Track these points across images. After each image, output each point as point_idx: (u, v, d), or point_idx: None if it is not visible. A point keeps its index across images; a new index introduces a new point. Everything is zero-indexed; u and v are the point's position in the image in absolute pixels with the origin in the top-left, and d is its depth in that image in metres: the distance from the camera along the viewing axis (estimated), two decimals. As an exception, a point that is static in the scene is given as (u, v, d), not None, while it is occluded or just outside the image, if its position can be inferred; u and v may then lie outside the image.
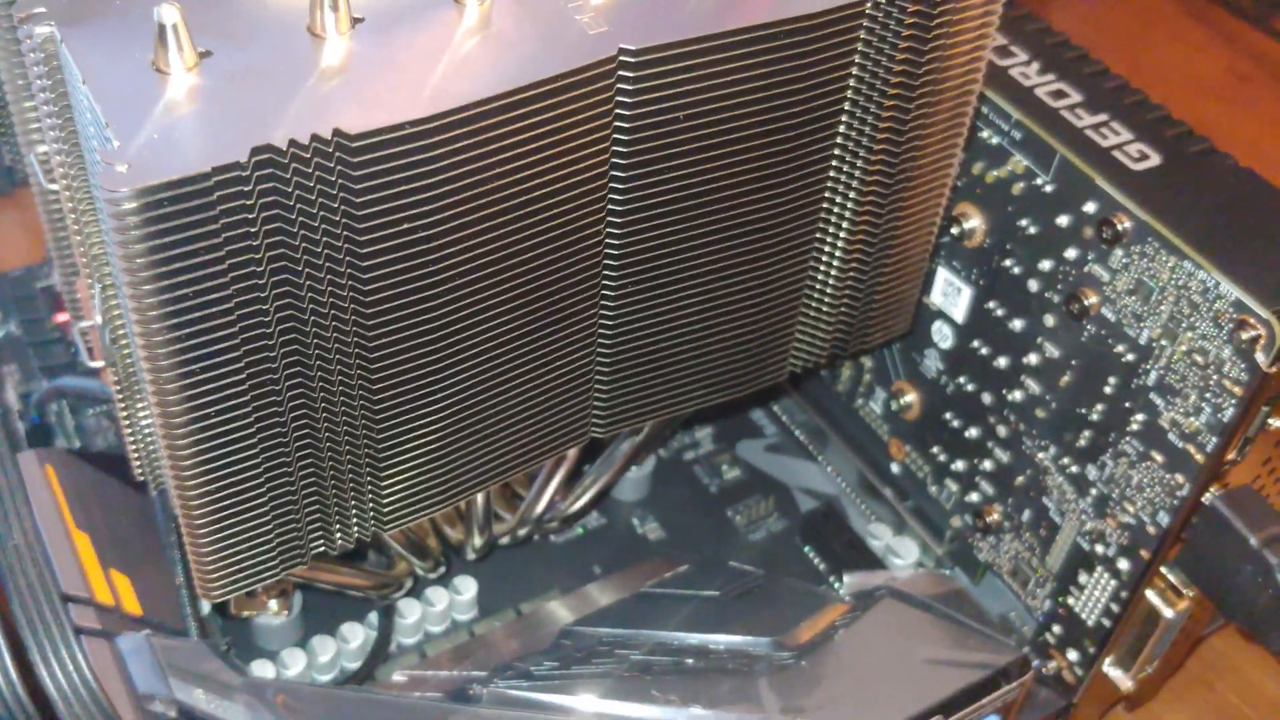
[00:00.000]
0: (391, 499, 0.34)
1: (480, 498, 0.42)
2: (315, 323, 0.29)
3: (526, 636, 0.42)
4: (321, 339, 0.30)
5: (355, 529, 0.34)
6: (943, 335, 0.45)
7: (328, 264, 0.28)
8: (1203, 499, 0.37)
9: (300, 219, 0.27)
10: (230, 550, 0.32)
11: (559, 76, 0.28)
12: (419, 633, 0.45)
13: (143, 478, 0.38)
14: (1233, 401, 0.35)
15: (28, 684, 0.33)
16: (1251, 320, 0.34)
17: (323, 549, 0.34)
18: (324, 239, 0.28)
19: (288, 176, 0.26)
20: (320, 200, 0.27)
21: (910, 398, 0.47)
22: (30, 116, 0.33)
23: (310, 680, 0.43)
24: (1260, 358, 0.34)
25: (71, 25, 0.28)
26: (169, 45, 0.27)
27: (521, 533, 0.45)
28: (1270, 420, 0.36)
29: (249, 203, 0.26)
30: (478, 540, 0.44)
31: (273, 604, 0.43)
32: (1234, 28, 0.85)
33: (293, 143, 0.26)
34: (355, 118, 0.27)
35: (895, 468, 0.49)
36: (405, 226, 0.28)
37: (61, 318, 0.49)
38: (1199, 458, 0.37)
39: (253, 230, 0.27)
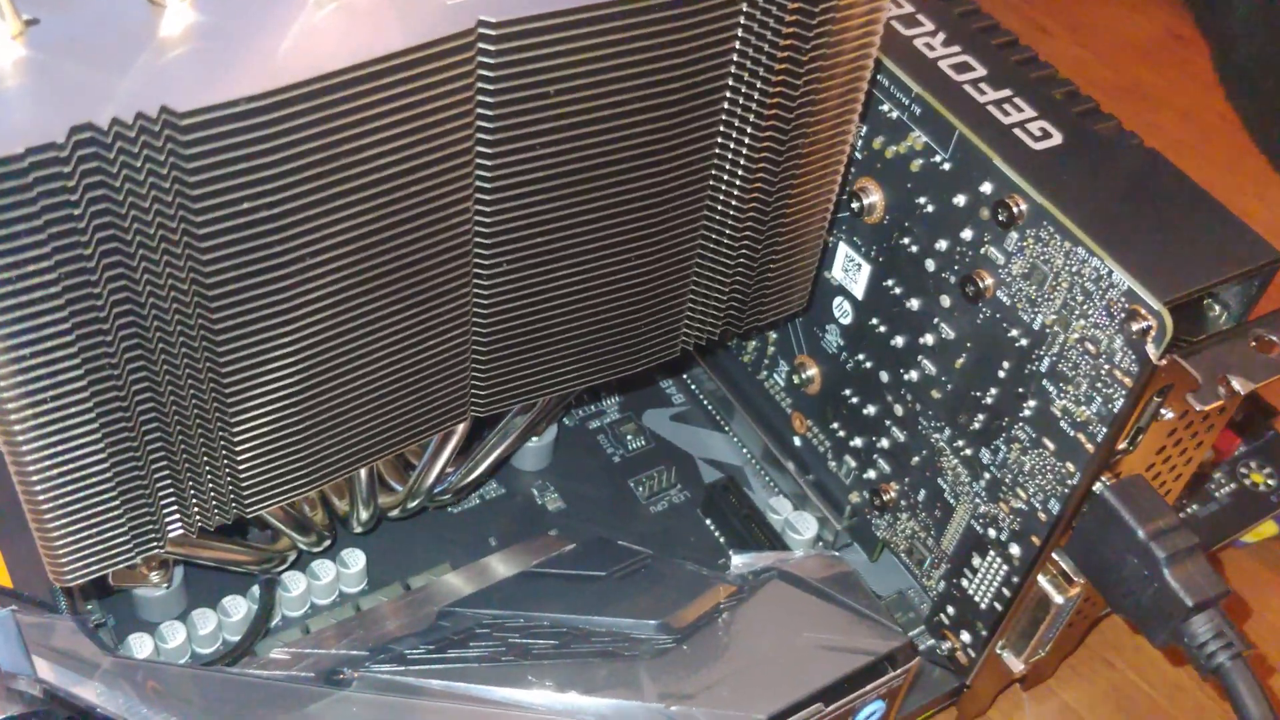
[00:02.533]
0: (250, 481, 0.33)
1: (364, 471, 0.41)
2: (154, 305, 0.28)
3: (412, 613, 0.41)
4: (162, 321, 0.28)
5: (215, 512, 0.33)
6: (843, 311, 0.44)
7: (163, 245, 0.27)
8: (1093, 488, 0.37)
9: (130, 200, 0.26)
10: (78, 533, 0.31)
11: (412, 49, 0.27)
12: (305, 605, 0.44)
13: (2, 451, 0.36)
14: (1123, 392, 0.35)
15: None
16: (1143, 311, 0.33)
17: (180, 531, 0.33)
18: (157, 220, 0.26)
19: (112, 157, 0.25)
20: (151, 181, 0.26)
21: (812, 372, 0.46)
22: None
23: (191, 654, 0.42)
24: (1150, 350, 0.33)
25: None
26: (-13, 10, 0.25)
27: (412, 505, 0.44)
28: (1163, 410, 0.36)
29: (70, 184, 0.25)
30: (363, 514, 0.43)
31: (153, 576, 0.41)
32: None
33: (116, 121, 0.24)
34: (190, 94, 0.25)
35: (798, 441, 0.48)
36: (246, 207, 0.27)
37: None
38: (1089, 447, 0.36)
39: (76, 213, 0.25)
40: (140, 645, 0.41)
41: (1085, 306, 0.35)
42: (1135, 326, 0.33)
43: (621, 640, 0.38)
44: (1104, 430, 0.35)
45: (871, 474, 0.45)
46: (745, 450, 0.51)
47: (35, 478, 0.29)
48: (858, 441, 0.45)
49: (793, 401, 0.48)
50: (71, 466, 0.29)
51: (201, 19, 0.27)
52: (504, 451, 0.45)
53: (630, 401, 0.52)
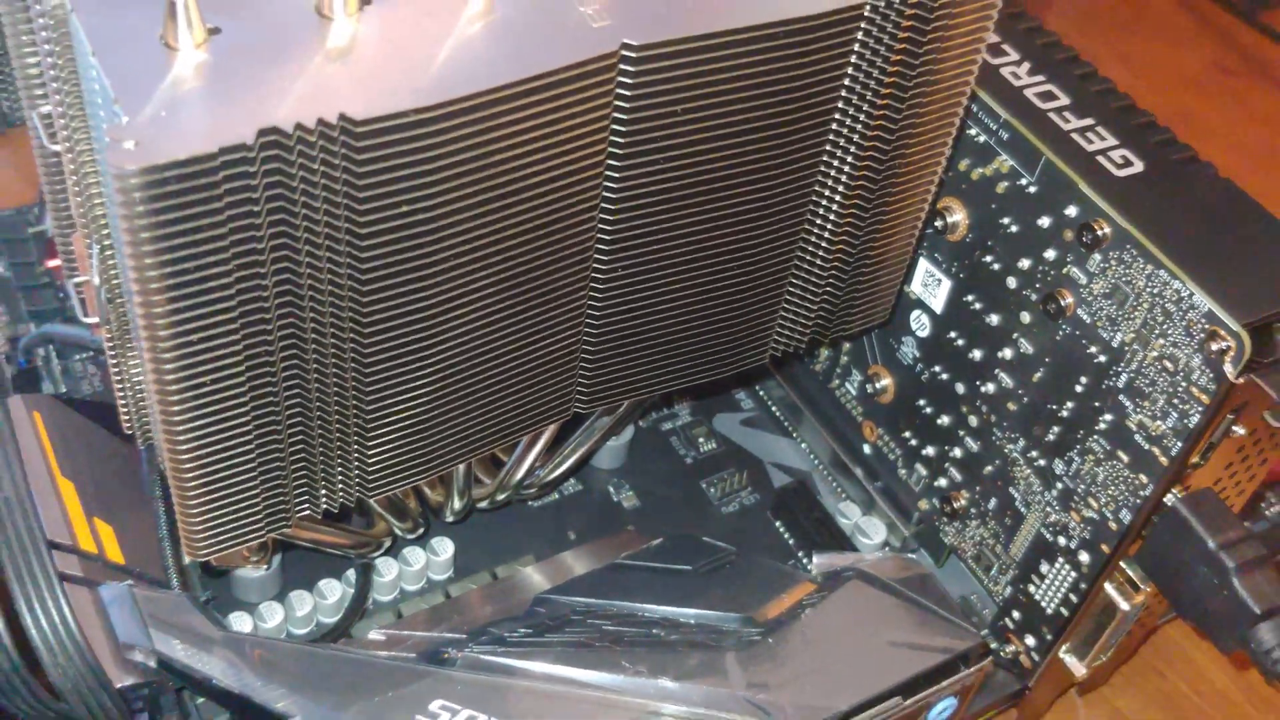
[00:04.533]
0: (377, 467, 0.35)
1: (462, 464, 0.43)
2: (312, 298, 0.30)
3: (501, 601, 0.43)
4: (317, 313, 0.30)
5: (340, 494, 0.35)
6: (921, 324, 0.45)
7: (327, 242, 0.29)
8: (1165, 500, 0.39)
9: (302, 199, 0.28)
10: (218, 511, 0.33)
11: (562, 69, 0.29)
12: (395, 591, 0.46)
13: (130, 430, 0.38)
14: (1199, 409, 0.36)
15: (13, 631, 0.34)
16: (1222, 332, 0.35)
17: (307, 512, 0.35)
18: (324, 218, 0.28)
19: (292, 159, 0.27)
20: (323, 182, 0.28)
21: (886, 382, 0.48)
22: (33, 74, 0.33)
23: (286, 634, 0.44)
24: (1228, 368, 0.35)
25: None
26: (179, 21, 0.27)
27: (500, 498, 0.46)
28: (1235, 427, 0.37)
29: (253, 182, 0.27)
30: (457, 504, 0.45)
31: (253, 557, 0.43)
32: (1223, 22, 0.86)
33: (299, 126, 0.26)
34: (359, 102, 0.27)
35: (867, 449, 0.50)
36: (404, 209, 0.29)
37: (53, 263, 0.50)
38: (1163, 460, 0.38)
39: (256, 209, 0.27)
40: (240, 624, 0.43)
41: (1165, 326, 0.37)
42: (1215, 346, 0.35)
43: (709, 631, 0.40)
44: (1179, 444, 0.37)
45: (942, 482, 0.46)
46: (813, 456, 0.53)
47: (185, 456, 0.31)
48: (930, 450, 0.47)
49: (864, 410, 0.50)
50: (220, 446, 0.31)
51: (364, 30, 0.29)
52: (589, 449, 0.47)
53: (701, 406, 0.54)
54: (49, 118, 0.32)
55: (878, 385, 0.48)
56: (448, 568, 0.46)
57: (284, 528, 0.35)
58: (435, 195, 0.29)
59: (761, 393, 0.55)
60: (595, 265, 0.34)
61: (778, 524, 0.50)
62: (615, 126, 0.31)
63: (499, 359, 0.35)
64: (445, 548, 0.46)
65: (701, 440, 0.53)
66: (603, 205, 0.33)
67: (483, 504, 0.46)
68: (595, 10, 0.30)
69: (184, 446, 0.31)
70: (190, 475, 0.32)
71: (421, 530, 0.45)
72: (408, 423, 0.34)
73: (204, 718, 0.40)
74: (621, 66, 0.30)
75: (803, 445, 0.53)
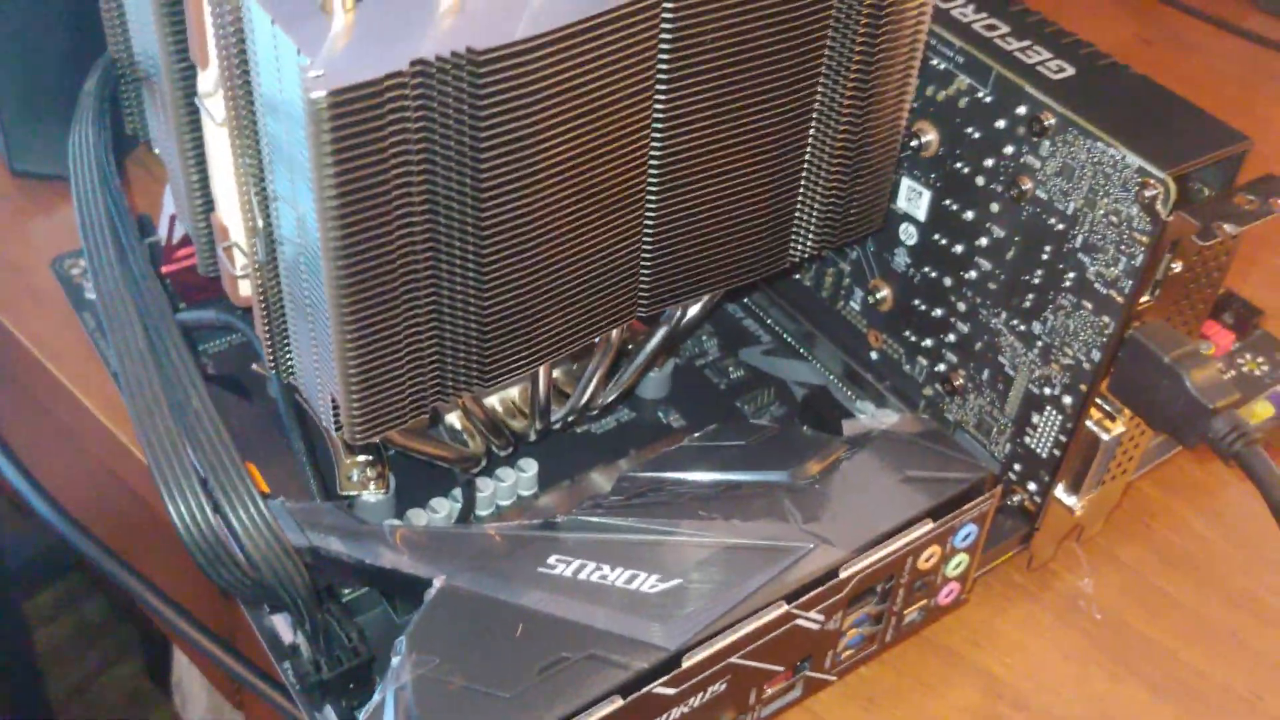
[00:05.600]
0: (492, 357, 0.43)
1: (542, 386, 0.51)
2: (444, 204, 0.38)
3: (585, 495, 0.51)
4: (448, 217, 0.39)
5: (463, 386, 0.43)
6: (909, 234, 0.54)
7: (455, 154, 0.37)
8: (1126, 334, 0.47)
9: (438, 116, 0.36)
10: (375, 398, 0.41)
11: (621, 6, 0.38)
12: (491, 506, 0.53)
13: (273, 369, 0.46)
14: (1142, 249, 0.45)
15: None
16: (1151, 181, 0.44)
17: (439, 399, 0.43)
18: (454, 134, 0.37)
19: (433, 83, 0.35)
20: (453, 102, 0.36)
21: (884, 292, 0.57)
22: (183, 69, 0.42)
23: (406, 546, 0.52)
24: (1160, 209, 0.44)
25: (253, -17, 0.37)
26: (334, -7, 0.36)
27: (571, 419, 0.54)
28: (1173, 264, 0.46)
29: (408, 102, 0.35)
30: (538, 424, 0.53)
31: (372, 484, 0.51)
32: (1140, 2, 0.96)
33: (438, 57, 0.35)
34: (479, 38, 0.36)
35: (874, 354, 0.58)
36: (512, 125, 0.37)
37: (166, 269, 0.58)
38: (1119, 299, 0.47)
39: (410, 125, 0.36)
40: (366, 541, 0.50)
41: (1107, 187, 0.46)
42: (1147, 194, 0.44)
43: (766, 486, 0.48)
44: (1130, 283, 0.46)
45: (941, 367, 0.55)
46: (827, 372, 0.61)
47: (351, 348, 0.39)
48: (928, 342, 0.55)
49: (868, 321, 0.58)
50: (378, 340, 0.40)
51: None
52: (638, 372, 0.55)
53: (726, 343, 0.63)
54: (210, 91, 0.41)
55: (878, 296, 0.57)
56: (533, 483, 0.54)
57: (423, 414, 0.43)
58: (532, 112, 0.38)
59: (777, 328, 0.63)
60: (649, 176, 0.43)
61: (804, 428, 0.58)
62: (662, 50, 0.40)
63: (579, 262, 0.43)
64: (530, 466, 0.54)
65: (730, 369, 0.61)
66: (654, 122, 0.42)
67: (555, 425, 0.54)
68: (641, -38, 0.39)
69: (350, 340, 0.39)
70: (355, 367, 0.40)
71: (511, 449, 0.53)
72: (513, 317, 0.42)
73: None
74: (665, 2, 0.39)
75: (817, 365, 0.61)
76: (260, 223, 0.41)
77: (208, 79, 0.42)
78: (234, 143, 0.41)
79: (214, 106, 0.41)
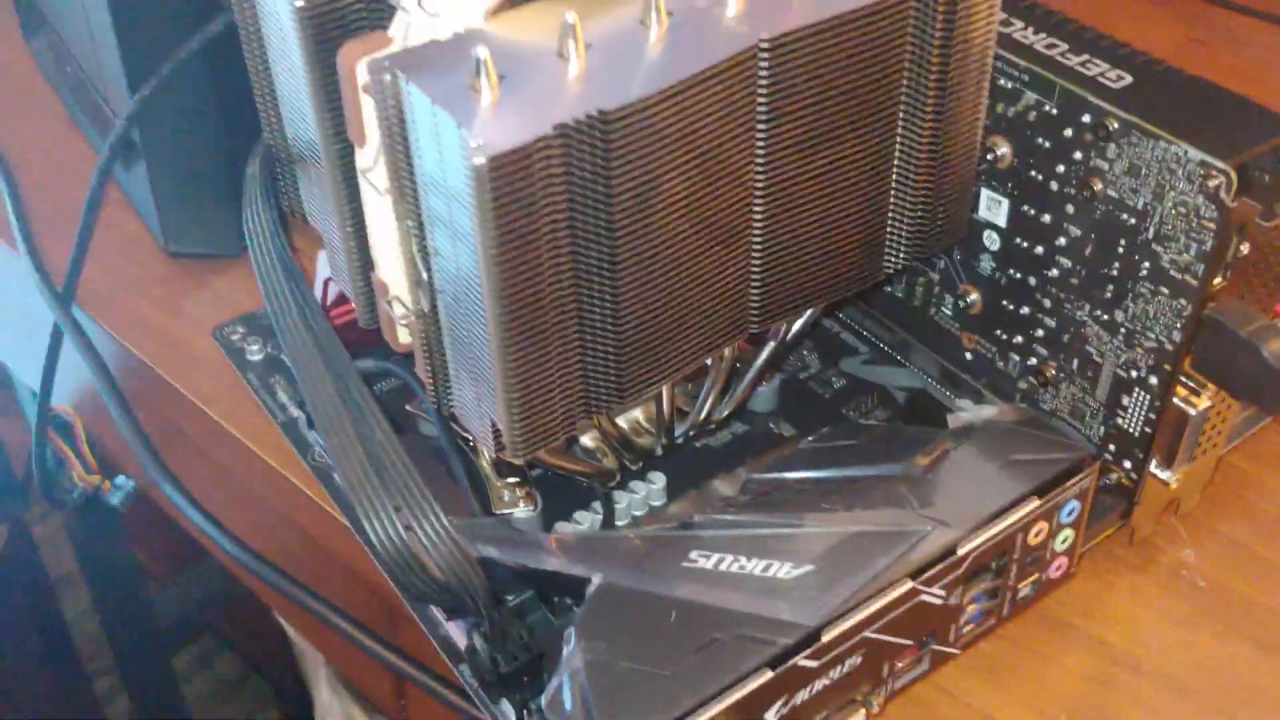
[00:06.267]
0: (628, 378, 0.48)
1: (666, 404, 0.56)
2: (584, 241, 0.44)
3: (709, 501, 0.56)
4: (588, 256, 0.44)
5: (605, 403, 0.49)
6: (991, 240, 0.59)
7: (591, 200, 0.43)
8: (1203, 314, 0.51)
9: (578, 170, 0.42)
10: (531, 420, 0.46)
11: (723, 62, 0.43)
12: (628, 516, 0.59)
13: (435, 404, 0.52)
14: (1211, 234, 0.49)
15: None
16: (1214, 172, 0.49)
17: (585, 415, 0.48)
18: (589, 184, 0.42)
19: (572, 142, 0.41)
20: (589, 156, 0.42)
21: (974, 296, 0.61)
22: (340, 149, 0.48)
23: (556, 558, 0.57)
24: (1224, 197, 0.48)
25: (409, 71, 0.43)
26: (481, 74, 0.42)
27: (691, 434, 0.59)
28: (1241, 246, 0.50)
29: (554, 161, 0.41)
30: (663, 440, 0.58)
31: (521, 502, 0.57)
32: (1190, 6, 1.00)
33: (575, 119, 0.41)
34: (606, 101, 0.42)
35: (969, 355, 0.63)
36: (637, 172, 0.43)
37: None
38: (1194, 283, 0.51)
39: (556, 181, 0.41)
40: (520, 557, 0.56)
41: (1173, 180, 0.50)
42: (1211, 184, 0.49)
43: (882, 479, 0.52)
44: (1202, 267, 0.50)
45: (1033, 360, 0.59)
46: (926, 376, 0.66)
47: (511, 376, 0.45)
48: (1018, 339, 0.60)
49: (959, 324, 0.63)
50: (533, 367, 0.45)
51: (592, 60, 0.44)
52: (749, 387, 0.60)
53: (827, 357, 0.68)
54: (369, 166, 0.47)
55: (967, 300, 0.61)
56: (662, 494, 0.59)
57: (573, 431, 0.48)
58: (653, 158, 0.43)
59: (873, 338, 0.68)
60: (755, 206, 0.48)
61: (910, 426, 0.63)
62: (760, 95, 0.45)
63: (699, 286, 0.48)
64: (658, 478, 0.59)
65: (833, 380, 0.66)
66: (755, 157, 0.47)
67: (679, 440, 0.60)
68: (736, 18, 0.45)
69: (511, 370, 0.45)
70: (516, 393, 0.45)
71: (640, 464, 0.58)
72: (645, 339, 0.48)
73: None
74: (760, 53, 0.44)
75: (915, 369, 0.66)
76: (424, 274, 0.47)
77: (366, 155, 0.48)
78: (396, 208, 0.47)
79: (375, 179, 0.48)
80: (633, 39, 0.45)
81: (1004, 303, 0.60)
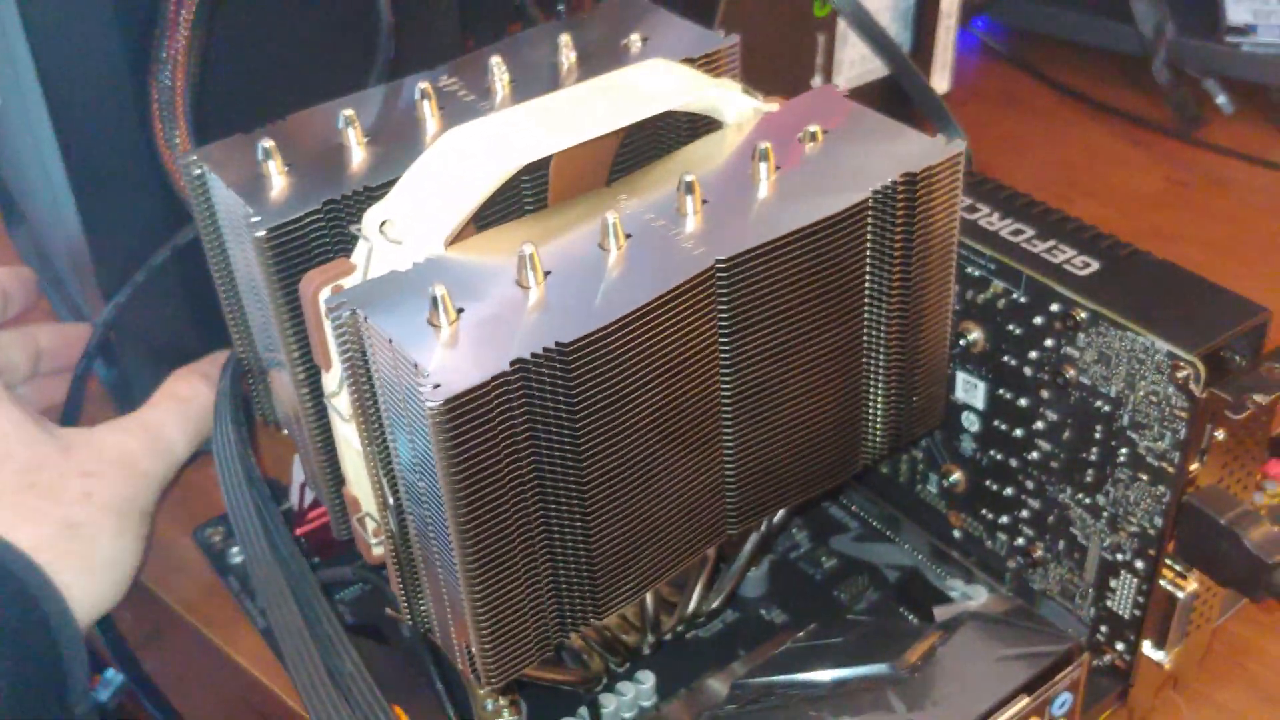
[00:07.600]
0: (604, 589, 0.48)
1: (650, 601, 0.56)
2: (550, 470, 0.44)
3: (702, 702, 0.55)
4: (554, 482, 0.44)
5: (579, 620, 0.48)
6: (970, 421, 0.59)
7: (554, 428, 0.43)
8: (1182, 500, 0.51)
9: (539, 402, 0.42)
10: (502, 647, 0.46)
11: (682, 285, 0.44)
12: (617, 718, 0.58)
13: (410, 620, 0.51)
14: (1183, 424, 0.49)
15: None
16: (1181, 364, 0.48)
17: (560, 637, 0.48)
18: (553, 413, 0.42)
19: (531, 376, 0.41)
20: (549, 388, 0.42)
21: (957, 476, 0.61)
22: (307, 370, 0.48)
23: (541, 769, 0.56)
24: (1194, 389, 0.48)
25: (368, 307, 0.43)
26: (439, 309, 0.42)
27: (679, 629, 0.59)
28: (1216, 433, 0.50)
29: (513, 396, 0.41)
30: (650, 637, 0.57)
31: (505, 711, 0.56)
32: (1168, 146, 1.01)
33: (533, 354, 0.41)
34: (564, 333, 0.42)
35: (957, 533, 0.62)
36: (598, 397, 0.43)
37: (300, 530, 0.64)
38: (1171, 470, 0.50)
39: (515, 414, 0.41)
40: (505, 767, 0.55)
41: (1143, 370, 0.50)
42: (1180, 375, 0.48)
43: (870, 680, 0.51)
44: (1178, 455, 0.50)
45: (1020, 541, 0.59)
46: (916, 553, 0.65)
47: (479, 606, 0.44)
48: (1004, 519, 0.59)
49: (946, 503, 0.62)
50: (503, 596, 0.45)
51: (551, 291, 0.44)
52: (738, 578, 0.60)
53: (816, 533, 0.67)
54: (335, 393, 0.47)
55: (951, 479, 0.61)
56: (652, 694, 0.58)
57: (547, 654, 0.47)
58: (615, 382, 0.43)
59: (862, 513, 0.67)
60: (722, 415, 0.48)
61: (902, 609, 0.62)
62: (720, 312, 0.46)
63: (671, 499, 0.48)
64: (647, 677, 0.58)
65: (823, 559, 0.65)
66: (720, 370, 0.47)
67: (667, 636, 0.59)
68: (694, 235, 0.45)
69: (478, 599, 0.44)
70: (484, 621, 0.45)
71: (628, 665, 0.58)
72: (619, 554, 0.47)
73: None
74: (718, 274, 0.45)
75: (906, 546, 0.65)
76: (390, 499, 0.47)
77: (331, 379, 0.48)
78: (361, 434, 0.47)
79: (340, 404, 0.48)
80: (592, 263, 0.45)
81: (987, 483, 0.59)
